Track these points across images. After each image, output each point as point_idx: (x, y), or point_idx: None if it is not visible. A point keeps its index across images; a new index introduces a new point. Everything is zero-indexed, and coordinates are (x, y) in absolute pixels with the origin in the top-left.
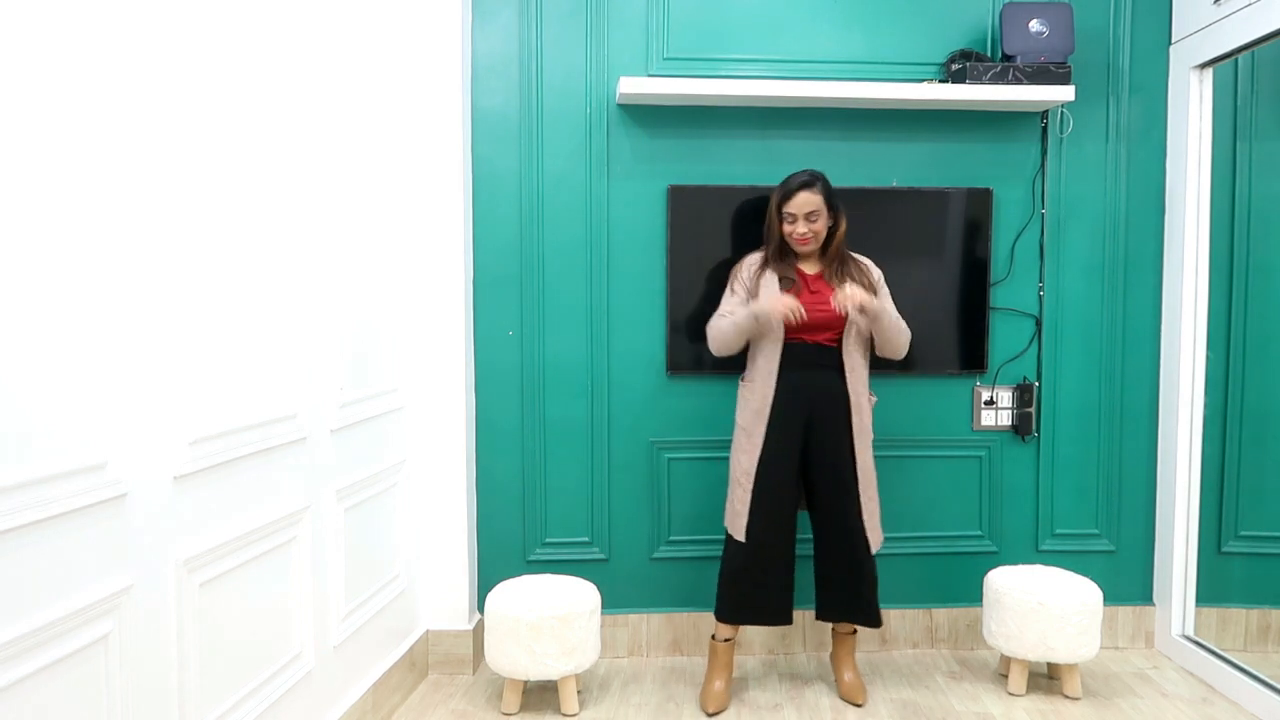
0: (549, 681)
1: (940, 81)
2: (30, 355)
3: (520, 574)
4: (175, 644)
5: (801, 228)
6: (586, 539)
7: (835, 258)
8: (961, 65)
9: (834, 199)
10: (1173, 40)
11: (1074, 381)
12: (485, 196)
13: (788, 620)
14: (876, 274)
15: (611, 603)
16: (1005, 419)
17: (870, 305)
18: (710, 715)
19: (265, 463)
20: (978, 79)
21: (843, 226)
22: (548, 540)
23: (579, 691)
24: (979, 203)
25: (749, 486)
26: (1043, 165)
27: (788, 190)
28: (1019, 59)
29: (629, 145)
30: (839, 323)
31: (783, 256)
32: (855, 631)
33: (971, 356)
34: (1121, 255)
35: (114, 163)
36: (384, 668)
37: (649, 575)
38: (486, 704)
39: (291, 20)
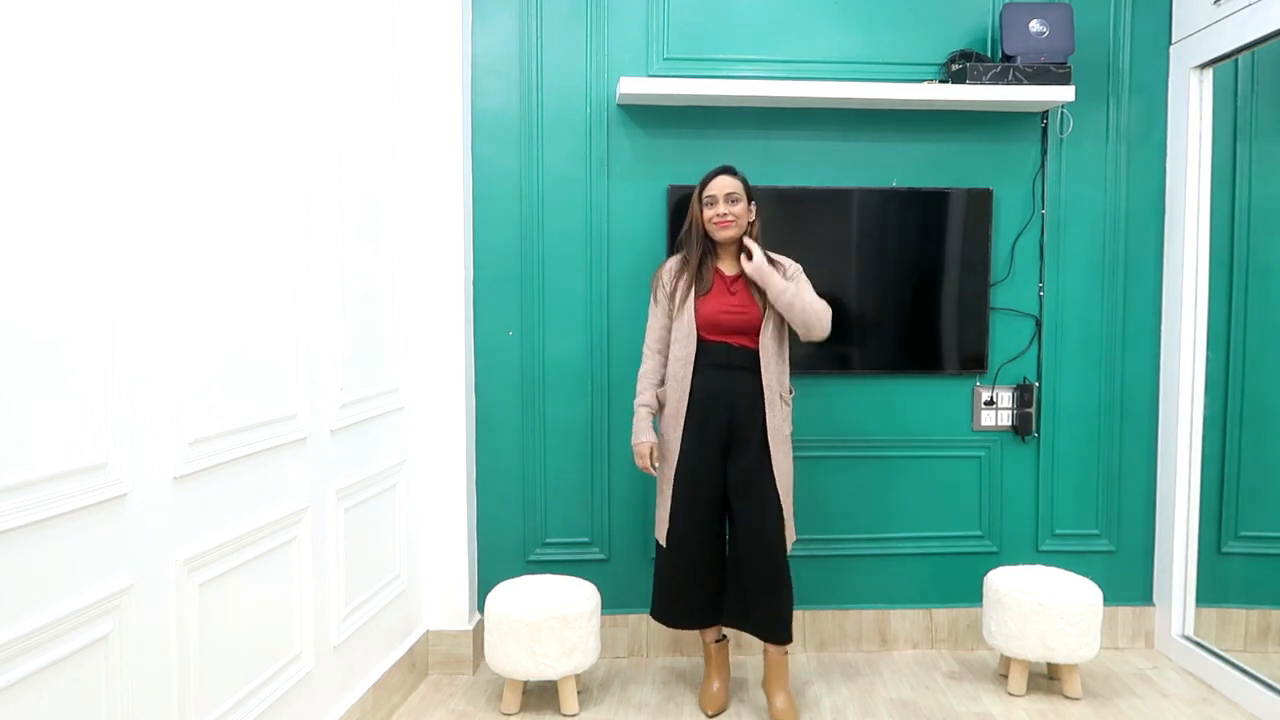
0: (549, 682)
1: (940, 82)
2: (30, 355)
3: (520, 574)
4: (175, 644)
5: (722, 208)
6: (586, 539)
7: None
8: (961, 65)
9: (751, 191)
10: (1173, 40)
11: (1074, 382)
12: (485, 196)
13: (716, 620)
14: (793, 268)
15: (611, 603)
16: (1005, 419)
17: (760, 270)
18: (710, 716)
19: (266, 463)
20: (978, 79)
21: (757, 224)
22: (548, 540)
23: (579, 691)
24: (979, 203)
25: (669, 492)
26: (1043, 165)
27: (707, 177)
28: (1019, 59)
29: (629, 145)
30: (756, 325)
31: (703, 258)
32: (787, 653)
33: (971, 357)
34: (1121, 255)
35: (115, 163)
36: (384, 668)
37: (649, 575)
38: (486, 704)
39: (292, 21)
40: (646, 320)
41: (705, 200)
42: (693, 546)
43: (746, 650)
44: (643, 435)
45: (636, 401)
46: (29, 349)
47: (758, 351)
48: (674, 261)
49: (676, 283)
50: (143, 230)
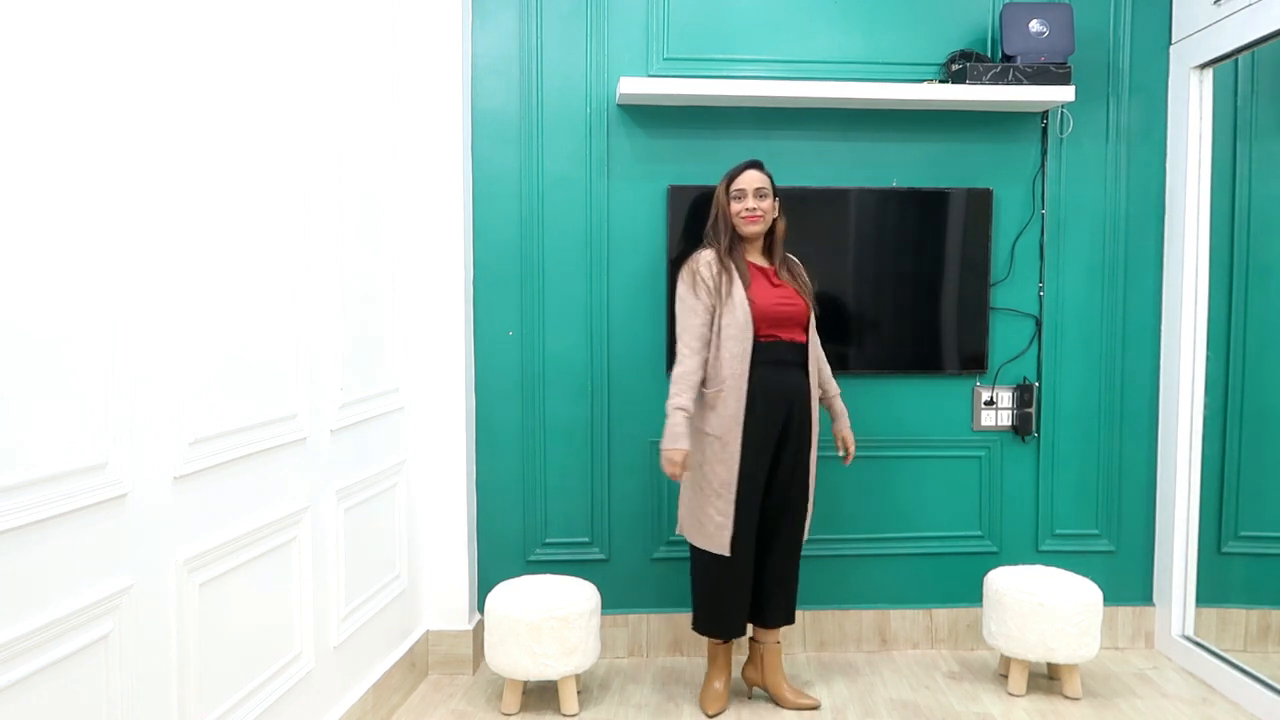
0: (549, 682)
1: (940, 82)
2: (30, 355)
3: (520, 574)
4: (175, 644)
5: (751, 202)
6: (586, 539)
7: (780, 253)
8: (961, 65)
9: (775, 186)
10: (1173, 40)
11: (1074, 382)
12: (485, 196)
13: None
14: (805, 279)
15: (611, 603)
16: (1005, 419)
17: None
18: (711, 716)
19: (266, 463)
20: (978, 79)
21: (783, 221)
22: (548, 540)
23: (579, 691)
24: (979, 203)
25: (731, 499)
26: (1043, 166)
27: (735, 170)
28: (1019, 59)
29: (629, 145)
30: (804, 318)
31: (732, 249)
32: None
33: (971, 357)
34: (1121, 255)
35: (115, 163)
36: (384, 668)
37: (649, 575)
38: (486, 704)
39: (292, 21)
40: (682, 317)
41: (734, 194)
42: (745, 552)
43: (741, 649)
44: (680, 441)
45: (672, 404)
46: (29, 349)
47: (806, 346)
48: (710, 254)
49: (720, 277)
50: (143, 230)
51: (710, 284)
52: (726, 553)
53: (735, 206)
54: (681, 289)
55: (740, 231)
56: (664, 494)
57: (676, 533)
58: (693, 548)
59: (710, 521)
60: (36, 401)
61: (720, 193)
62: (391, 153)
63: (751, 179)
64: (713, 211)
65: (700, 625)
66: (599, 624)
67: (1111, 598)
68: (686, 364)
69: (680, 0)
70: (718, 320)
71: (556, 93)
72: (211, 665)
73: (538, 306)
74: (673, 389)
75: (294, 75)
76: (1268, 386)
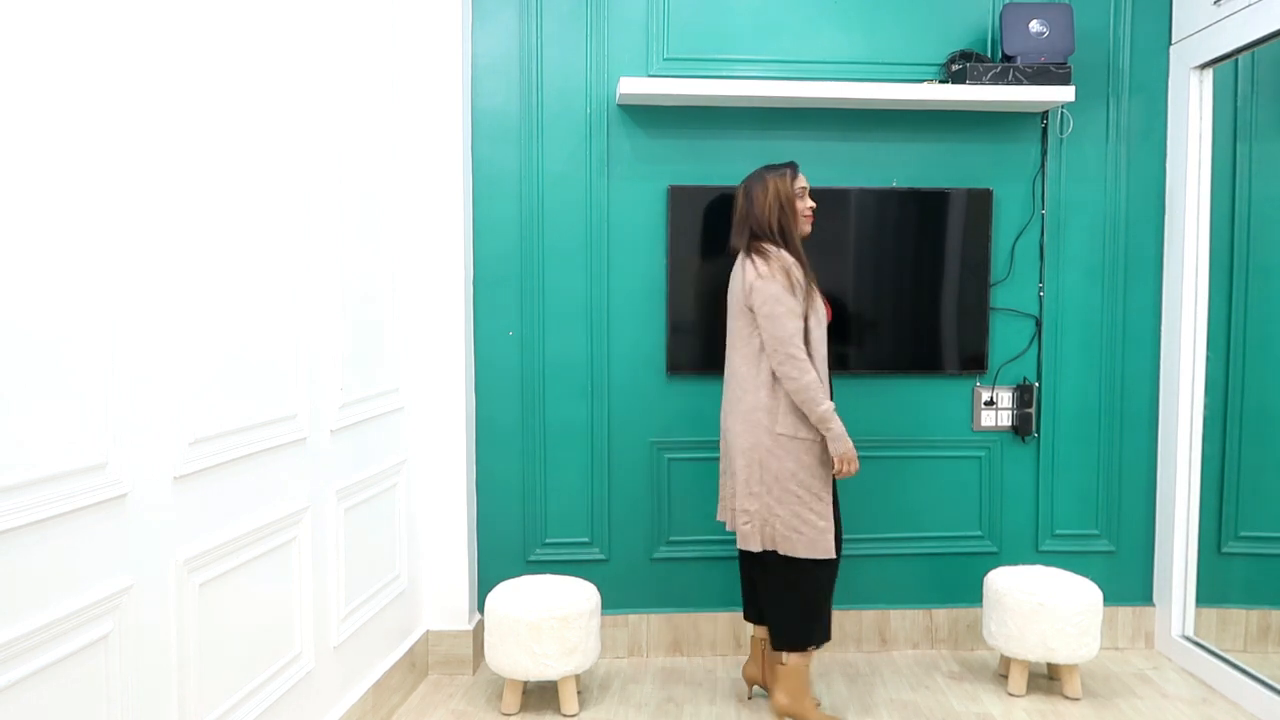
0: (549, 682)
1: (940, 82)
2: (30, 355)
3: (520, 574)
4: (175, 644)
5: (810, 203)
6: (586, 539)
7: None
8: (961, 65)
9: None
10: (1173, 41)
11: (1074, 382)
12: (485, 196)
13: None
14: None
15: (611, 603)
16: (1005, 419)
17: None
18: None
19: (266, 463)
20: (978, 79)
21: None
22: (548, 540)
23: (579, 692)
24: (979, 203)
25: (829, 499)
26: (1043, 166)
27: (791, 168)
28: (1019, 59)
29: (629, 145)
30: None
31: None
32: None
33: (971, 357)
34: (1121, 255)
35: (115, 163)
36: (384, 668)
37: (649, 575)
38: (486, 704)
39: (292, 21)
40: (783, 319)
41: (800, 191)
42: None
43: (742, 649)
44: (848, 438)
45: (826, 409)
46: (29, 349)
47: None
48: (788, 253)
49: (807, 278)
50: (143, 230)
51: (803, 285)
52: (833, 555)
53: (802, 204)
54: (776, 289)
55: (802, 231)
56: (664, 494)
57: (759, 549)
58: (784, 561)
59: (812, 528)
60: (36, 401)
61: (785, 187)
62: (391, 153)
63: (805, 181)
64: (776, 205)
65: (810, 637)
66: (599, 624)
67: (1111, 598)
68: (810, 371)
69: (680, 0)
70: (805, 322)
71: (556, 93)
72: (211, 665)
73: (538, 306)
74: (811, 395)
75: (294, 75)
76: (1268, 386)
